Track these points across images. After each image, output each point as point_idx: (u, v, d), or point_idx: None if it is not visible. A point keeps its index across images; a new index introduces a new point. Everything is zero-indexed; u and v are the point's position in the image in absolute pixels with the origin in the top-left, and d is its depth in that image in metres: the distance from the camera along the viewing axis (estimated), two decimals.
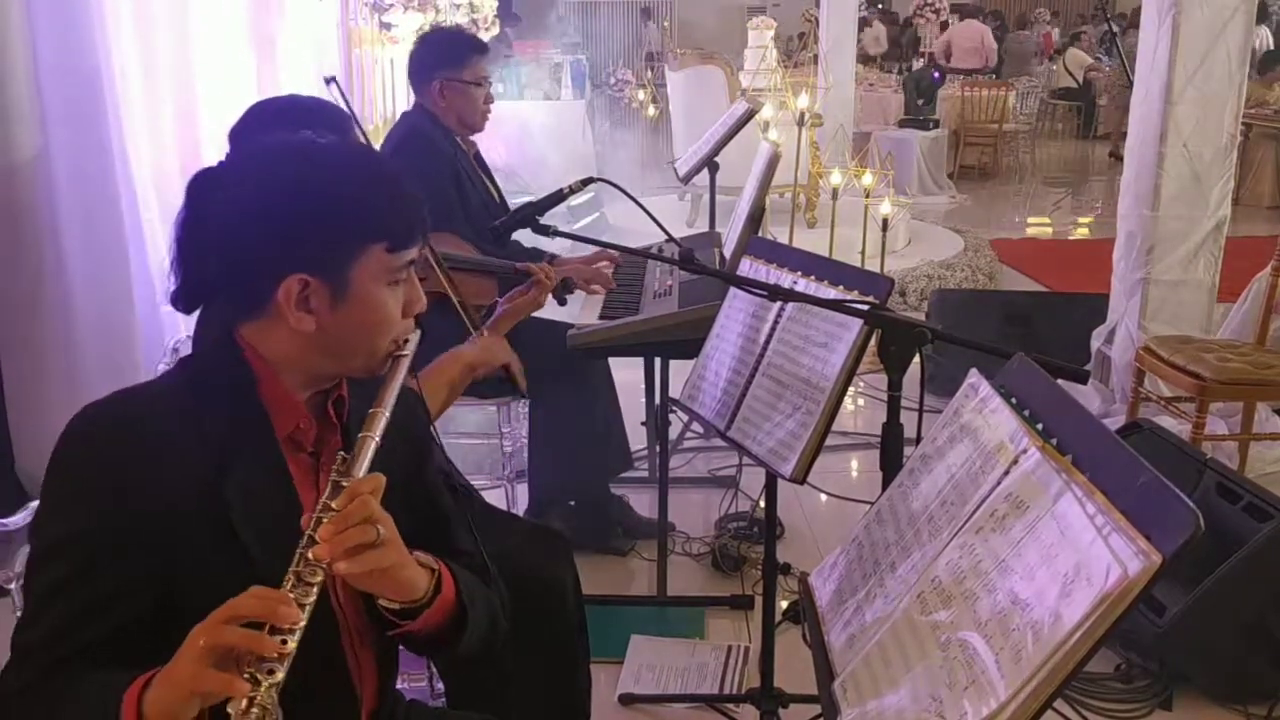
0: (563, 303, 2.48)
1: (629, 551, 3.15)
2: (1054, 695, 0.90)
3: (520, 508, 3.11)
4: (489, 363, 1.99)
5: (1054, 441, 1.10)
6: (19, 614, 1.23)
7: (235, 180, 1.17)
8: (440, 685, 2.01)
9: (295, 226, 1.12)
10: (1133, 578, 0.87)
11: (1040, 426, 1.15)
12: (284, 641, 0.96)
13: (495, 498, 2.94)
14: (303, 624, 0.98)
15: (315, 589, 1.01)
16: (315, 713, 1.12)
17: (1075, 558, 0.94)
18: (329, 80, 2.20)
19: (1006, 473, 1.11)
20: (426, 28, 4.14)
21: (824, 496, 3.52)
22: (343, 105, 2.21)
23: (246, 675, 0.94)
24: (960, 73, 11.45)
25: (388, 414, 1.14)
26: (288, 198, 1.13)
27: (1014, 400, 1.22)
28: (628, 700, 2.49)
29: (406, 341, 1.22)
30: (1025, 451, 1.10)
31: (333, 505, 1.06)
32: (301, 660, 0.98)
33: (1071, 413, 1.13)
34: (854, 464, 3.85)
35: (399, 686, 1.60)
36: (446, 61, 2.88)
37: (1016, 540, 1.03)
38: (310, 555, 1.02)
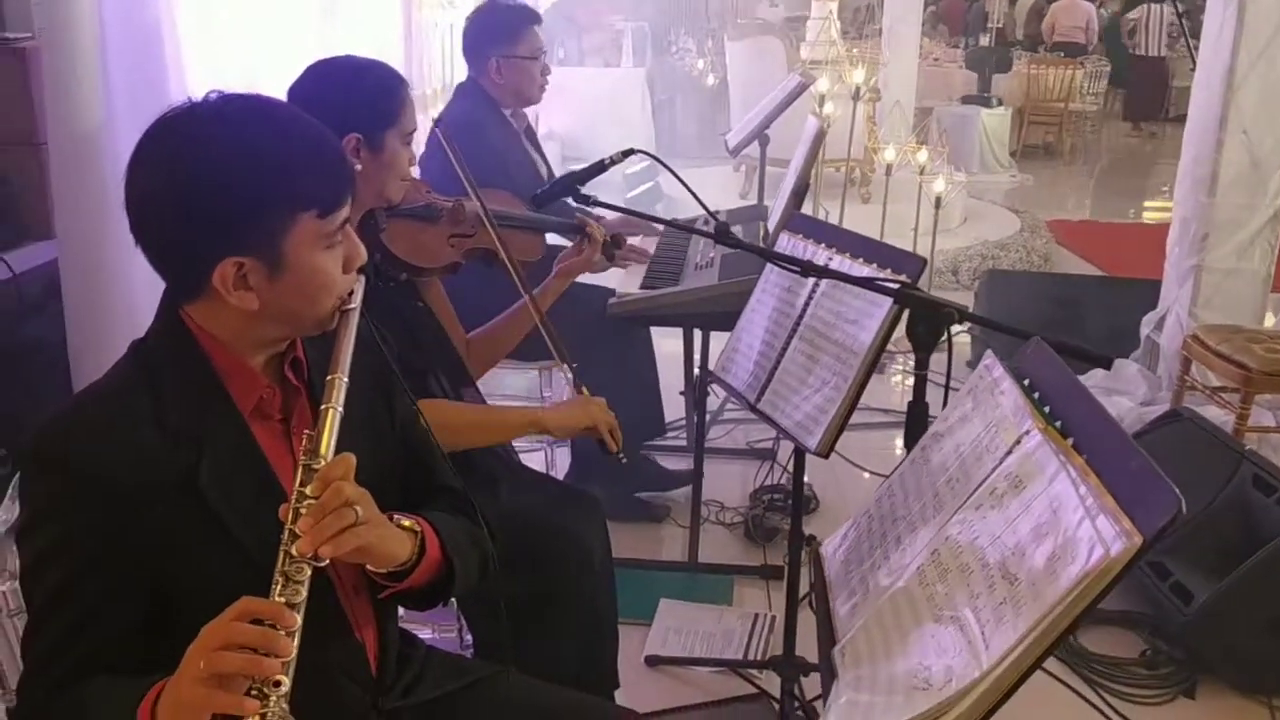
0: (611, 258, 2.50)
1: (664, 518, 3.21)
2: (1033, 666, 0.93)
3: (559, 470, 3.17)
4: (569, 430, 1.92)
5: (1059, 424, 1.13)
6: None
7: (146, 165, 1.11)
8: (470, 637, 2.09)
9: (218, 212, 1.09)
10: (1114, 557, 0.90)
11: (1048, 409, 1.17)
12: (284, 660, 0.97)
13: (535, 460, 3.00)
14: (300, 624, 1.00)
15: (305, 584, 1.03)
16: (323, 661, 1.17)
17: (1064, 536, 0.97)
18: None
19: (1009, 452, 1.14)
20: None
21: (866, 475, 3.54)
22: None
23: (254, 691, 0.96)
24: (1063, 48, 11.36)
25: (346, 379, 1.13)
26: (204, 183, 1.08)
27: (1026, 382, 1.25)
28: (653, 662, 2.55)
29: (352, 294, 1.20)
30: (1028, 432, 1.13)
31: (307, 492, 1.06)
32: (303, 619, 1.01)
33: (1079, 397, 1.15)
34: (897, 442, 3.86)
35: (425, 636, 1.67)
36: (501, 38, 2.89)
37: (1013, 518, 1.06)
38: (294, 551, 1.03)
